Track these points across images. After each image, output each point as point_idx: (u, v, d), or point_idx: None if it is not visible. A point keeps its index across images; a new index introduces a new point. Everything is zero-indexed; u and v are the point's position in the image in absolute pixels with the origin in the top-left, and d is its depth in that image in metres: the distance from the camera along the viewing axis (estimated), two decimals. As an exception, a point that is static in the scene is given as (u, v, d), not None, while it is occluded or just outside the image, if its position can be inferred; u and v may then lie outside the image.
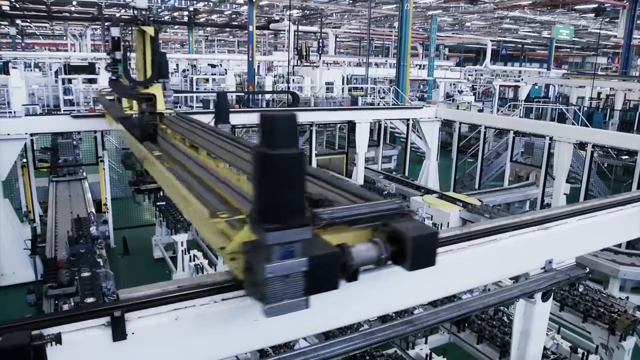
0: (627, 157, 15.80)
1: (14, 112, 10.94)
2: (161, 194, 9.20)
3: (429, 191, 11.90)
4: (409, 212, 2.39)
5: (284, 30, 31.50)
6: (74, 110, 15.15)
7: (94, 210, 10.27)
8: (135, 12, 8.05)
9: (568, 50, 58.83)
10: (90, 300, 4.99)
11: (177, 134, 5.51)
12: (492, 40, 42.97)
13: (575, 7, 31.18)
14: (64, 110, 17.63)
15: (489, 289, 4.53)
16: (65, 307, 5.63)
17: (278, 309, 2.00)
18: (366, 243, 2.21)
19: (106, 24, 9.61)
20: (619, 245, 8.63)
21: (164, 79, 8.01)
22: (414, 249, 2.14)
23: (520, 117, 17.70)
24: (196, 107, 23.24)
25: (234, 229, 2.60)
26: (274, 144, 1.88)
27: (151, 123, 5.26)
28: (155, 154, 4.86)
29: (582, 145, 11.29)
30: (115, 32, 8.25)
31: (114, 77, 8.85)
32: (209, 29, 51.29)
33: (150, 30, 7.95)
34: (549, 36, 39.57)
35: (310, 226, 1.99)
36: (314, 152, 13.15)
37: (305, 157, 2.01)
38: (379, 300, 2.88)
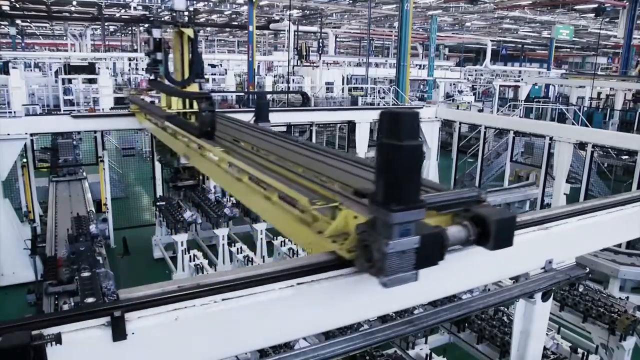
0: (627, 157, 15.80)
1: (14, 112, 10.95)
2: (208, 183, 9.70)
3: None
4: (485, 199, 2.69)
5: (284, 30, 31.51)
6: (74, 110, 15.16)
7: (93, 209, 10.31)
8: (174, 14, 8.35)
9: (568, 50, 58.84)
10: (90, 300, 5.00)
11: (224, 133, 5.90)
12: (492, 40, 42.99)
13: (575, 7, 31.20)
14: (64, 110, 17.65)
15: (489, 289, 4.53)
16: (65, 306, 5.64)
17: (394, 280, 2.27)
18: (457, 226, 2.50)
19: (146, 25, 9.85)
20: (619, 245, 8.63)
21: (199, 79, 8.44)
22: (497, 231, 2.45)
23: (520, 117, 17.70)
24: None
25: (326, 216, 3.04)
26: (402, 136, 2.16)
27: (210, 120, 5.53)
28: (219, 149, 5.16)
29: (582, 145, 11.29)
30: (156, 33, 8.42)
31: (152, 78, 9.08)
32: (209, 29, 51.29)
33: (189, 31, 8.25)
34: (549, 36, 39.58)
35: (424, 208, 2.26)
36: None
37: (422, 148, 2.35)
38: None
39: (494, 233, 2.45)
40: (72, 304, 5.09)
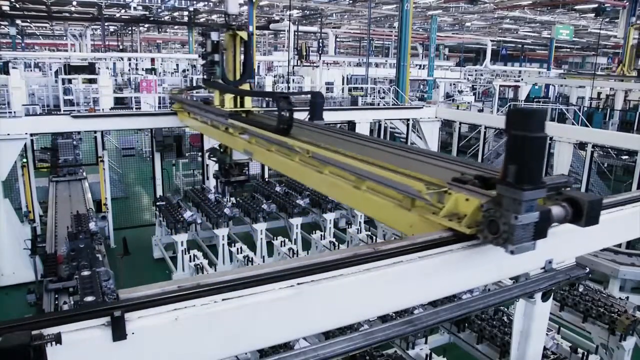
0: (627, 157, 15.80)
1: (14, 112, 10.94)
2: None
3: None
4: (571, 185, 3.16)
5: (284, 30, 31.50)
6: (74, 110, 15.16)
7: (93, 208, 10.34)
8: (228, 17, 8.96)
9: (568, 50, 58.85)
10: (89, 298, 5.01)
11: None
12: (492, 40, 43.00)
13: (575, 7, 31.20)
14: (63, 110, 17.65)
15: (489, 289, 4.53)
16: (65, 305, 5.64)
17: (520, 249, 2.74)
18: (558, 206, 2.96)
19: (202, 28, 10.35)
20: (619, 245, 8.63)
21: (249, 80, 9.05)
22: (588, 211, 2.93)
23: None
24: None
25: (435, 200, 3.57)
26: (533, 129, 2.63)
27: (289, 118, 5.95)
28: (304, 143, 5.54)
29: (582, 145, 11.29)
30: (214, 36, 8.80)
31: (206, 78, 9.45)
32: (208, 29, 51.25)
33: (243, 34, 8.75)
34: (549, 36, 39.58)
35: (545, 188, 2.72)
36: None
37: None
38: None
39: (586, 212, 2.93)
40: (72, 302, 5.09)
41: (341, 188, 4.86)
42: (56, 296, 6.16)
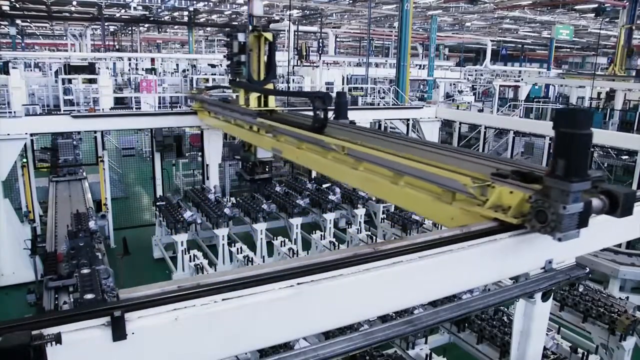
0: (627, 157, 15.79)
1: (14, 112, 10.94)
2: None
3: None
4: (604, 179, 3.30)
5: (284, 30, 31.50)
6: (74, 110, 15.15)
7: (92, 207, 10.35)
8: (253, 19, 9.16)
9: (568, 50, 58.85)
10: (89, 296, 5.04)
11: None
12: (492, 40, 43.00)
13: (575, 7, 31.20)
14: (64, 110, 17.64)
15: (489, 289, 4.53)
16: (65, 302, 5.66)
17: (567, 236, 2.99)
18: (596, 198, 3.13)
19: (227, 30, 10.83)
20: (619, 245, 8.63)
21: (273, 80, 9.38)
22: (624, 203, 3.13)
23: (520, 117, 17.68)
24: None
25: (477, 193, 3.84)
26: (580, 127, 2.93)
27: (324, 117, 6.22)
28: (336, 142, 5.83)
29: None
30: (241, 37, 9.04)
31: (232, 78, 9.79)
32: (209, 29, 51.29)
33: (269, 35, 9.04)
34: (549, 36, 39.58)
35: (590, 181, 2.95)
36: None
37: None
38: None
39: (622, 204, 3.13)
40: (72, 300, 5.10)
41: (377, 183, 5.15)
42: (56, 295, 6.22)
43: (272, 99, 9.44)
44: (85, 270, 5.72)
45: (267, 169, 9.69)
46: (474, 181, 3.87)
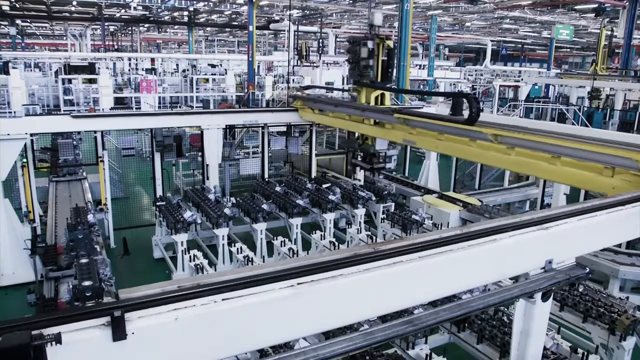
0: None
1: (14, 112, 10.94)
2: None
3: (429, 191, 11.89)
4: None
5: (284, 30, 31.48)
6: (74, 110, 15.15)
7: (92, 201, 10.42)
8: (373, 28, 10.42)
9: (568, 50, 58.86)
10: (87, 283, 5.14)
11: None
12: (492, 40, 43.00)
13: (575, 7, 31.20)
14: (64, 110, 17.64)
15: (489, 289, 4.53)
16: (65, 300, 5.77)
17: None
18: None
19: (352, 37, 11.94)
20: (619, 245, 8.63)
21: (390, 82, 10.78)
22: None
23: (520, 117, 17.67)
24: (196, 106, 23.28)
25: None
26: None
27: (477, 113, 7.22)
28: (490, 131, 6.81)
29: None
30: (370, 44, 10.31)
31: (358, 79, 10.86)
32: (209, 29, 51.30)
33: (390, 43, 10.43)
34: (549, 36, 39.59)
35: None
36: (314, 152, 13.15)
37: None
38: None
39: None
40: (71, 286, 5.24)
41: (533, 165, 6.27)
42: (56, 284, 6.58)
43: (387, 98, 10.80)
44: (84, 260, 5.90)
45: (382, 160, 10.96)
46: None
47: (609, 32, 24.23)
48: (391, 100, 16.69)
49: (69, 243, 7.16)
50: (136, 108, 21.80)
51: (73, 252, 6.72)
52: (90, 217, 8.23)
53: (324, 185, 11.51)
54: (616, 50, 28.25)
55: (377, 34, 10.45)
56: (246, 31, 28.20)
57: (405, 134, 8.63)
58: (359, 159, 11.71)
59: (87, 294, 4.79)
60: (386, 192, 11.38)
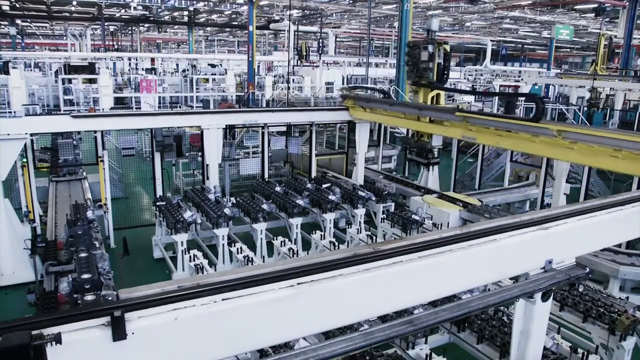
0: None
1: (14, 112, 10.93)
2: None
3: (429, 191, 11.89)
4: None
5: (284, 30, 31.49)
6: (74, 110, 15.14)
7: (91, 197, 10.46)
8: (430, 33, 11.14)
9: (568, 50, 58.85)
10: (86, 275, 5.25)
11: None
12: (492, 40, 42.97)
13: (575, 7, 31.20)
14: (64, 110, 17.64)
15: (489, 289, 4.53)
16: (64, 282, 5.88)
17: None
18: None
19: (411, 41, 12.67)
20: (619, 245, 8.63)
21: (445, 83, 11.49)
22: None
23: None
24: (196, 106, 23.28)
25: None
26: None
27: (541, 111, 7.89)
28: (556, 127, 7.52)
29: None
30: (431, 48, 10.88)
31: (416, 80, 11.50)
32: (209, 29, 51.30)
33: (447, 47, 11.06)
34: (549, 36, 39.58)
35: None
36: (313, 152, 13.15)
37: None
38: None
39: None
40: (70, 279, 5.34)
41: (596, 157, 6.91)
42: (56, 278, 6.64)
43: (442, 98, 11.44)
44: (83, 254, 6.03)
45: (436, 155, 11.55)
46: None
47: (607, 41, 24.36)
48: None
49: (69, 238, 7.27)
50: (136, 108, 21.79)
51: (73, 247, 6.83)
52: (89, 214, 8.33)
53: (324, 185, 11.51)
54: (616, 50, 28.27)
55: (435, 39, 11.12)
56: (246, 31, 28.20)
57: (464, 131, 9.22)
58: (414, 155, 12.56)
59: (86, 286, 4.85)
60: (386, 192, 11.39)
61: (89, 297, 4.07)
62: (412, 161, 11.89)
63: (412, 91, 11.91)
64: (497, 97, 23.50)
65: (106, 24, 41.73)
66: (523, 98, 23.10)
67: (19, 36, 43.30)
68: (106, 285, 5.43)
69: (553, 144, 7.53)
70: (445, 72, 11.07)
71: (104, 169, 10.93)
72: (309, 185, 11.74)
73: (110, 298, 3.41)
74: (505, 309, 6.06)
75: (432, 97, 11.25)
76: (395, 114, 11.29)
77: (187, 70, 30.21)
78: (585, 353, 5.47)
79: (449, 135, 10.46)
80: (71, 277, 5.37)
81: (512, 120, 8.57)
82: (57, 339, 2.05)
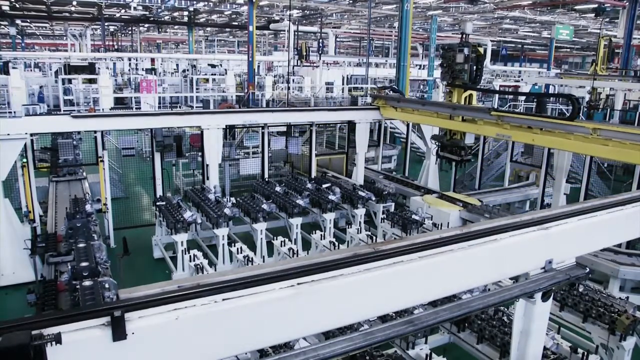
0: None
1: (14, 112, 10.93)
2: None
3: (429, 191, 11.90)
4: None
5: (284, 30, 31.48)
6: (74, 110, 15.13)
7: (90, 192, 10.51)
8: (464, 36, 11.42)
9: (568, 50, 58.84)
10: (84, 264, 5.36)
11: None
12: (492, 40, 42.95)
13: (575, 7, 31.19)
14: (64, 110, 17.64)
15: (489, 289, 4.53)
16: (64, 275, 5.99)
17: None
18: None
19: (445, 44, 12.79)
20: (619, 245, 8.63)
21: (479, 84, 11.81)
22: None
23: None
24: (196, 106, 23.27)
25: None
26: None
27: (577, 110, 8.45)
28: (592, 125, 8.07)
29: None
30: (466, 51, 11.12)
31: (451, 81, 11.65)
32: (209, 29, 51.28)
33: (481, 50, 11.31)
34: (549, 36, 39.57)
35: None
36: (313, 152, 13.15)
37: None
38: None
39: None
40: (69, 267, 5.48)
41: (628, 153, 7.36)
42: (56, 268, 6.90)
43: (474, 98, 11.68)
44: (81, 245, 6.23)
45: (469, 152, 11.67)
46: None
47: (607, 44, 24.46)
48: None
49: (68, 231, 7.46)
50: (136, 108, 21.77)
51: (72, 239, 7.02)
52: (87, 207, 8.52)
53: (324, 185, 11.51)
54: (616, 51, 28.25)
55: (470, 42, 11.42)
56: (246, 31, 28.17)
57: (499, 129, 9.61)
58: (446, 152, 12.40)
59: (84, 274, 4.94)
60: (386, 192, 11.38)
61: (87, 283, 4.12)
62: (444, 158, 12.04)
63: (445, 92, 12.27)
64: (496, 98, 23.47)
65: (106, 24, 41.71)
66: (523, 97, 23.17)
67: (19, 36, 43.29)
68: (103, 274, 5.47)
69: (588, 140, 7.92)
70: (478, 74, 11.47)
71: (104, 169, 10.94)
72: (309, 185, 11.74)
73: (107, 286, 3.44)
74: (505, 309, 6.06)
75: (465, 97, 11.65)
76: (428, 113, 11.69)
77: (187, 70, 30.19)
78: (585, 353, 5.47)
79: (483, 133, 10.96)
80: (70, 265, 5.55)
81: (547, 119, 9.03)
82: (57, 339, 2.05)
